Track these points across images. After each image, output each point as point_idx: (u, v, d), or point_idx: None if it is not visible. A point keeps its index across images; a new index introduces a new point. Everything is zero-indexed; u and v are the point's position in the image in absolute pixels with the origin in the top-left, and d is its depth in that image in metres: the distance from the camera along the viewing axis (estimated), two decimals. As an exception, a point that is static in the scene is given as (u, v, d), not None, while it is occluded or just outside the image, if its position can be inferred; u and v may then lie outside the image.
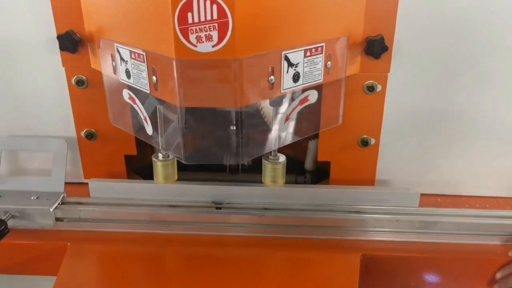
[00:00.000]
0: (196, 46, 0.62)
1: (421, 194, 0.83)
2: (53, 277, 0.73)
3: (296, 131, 0.79)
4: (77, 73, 0.83)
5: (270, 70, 0.66)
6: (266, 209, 0.82)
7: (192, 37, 0.62)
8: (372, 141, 0.86)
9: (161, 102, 0.71)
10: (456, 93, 0.83)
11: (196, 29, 0.61)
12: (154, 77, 0.67)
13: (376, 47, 0.77)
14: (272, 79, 0.67)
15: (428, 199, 0.88)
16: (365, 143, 0.86)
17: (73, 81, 0.84)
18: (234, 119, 0.71)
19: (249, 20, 0.62)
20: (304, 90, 0.74)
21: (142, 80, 0.69)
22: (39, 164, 0.92)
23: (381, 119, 0.85)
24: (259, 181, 0.81)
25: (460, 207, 0.87)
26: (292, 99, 0.76)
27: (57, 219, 0.82)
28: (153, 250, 0.78)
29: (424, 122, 0.86)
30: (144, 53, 0.67)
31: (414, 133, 0.87)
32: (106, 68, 0.77)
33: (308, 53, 0.70)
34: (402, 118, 0.85)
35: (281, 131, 0.76)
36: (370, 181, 0.90)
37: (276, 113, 0.74)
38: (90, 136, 0.88)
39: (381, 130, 0.85)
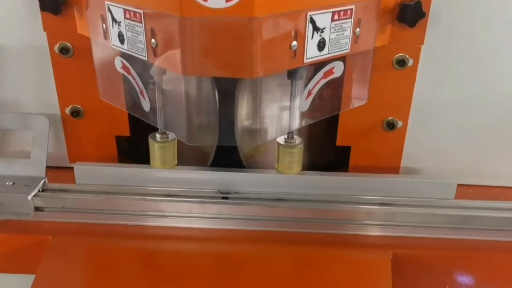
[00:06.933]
0: (206, 1, 0.53)
1: (455, 185, 0.76)
2: (31, 275, 0.67)
3: (315, 112, 0.71)
4: (61, 39, 0.75)
5: (293, 34, 0.58)
6: (280, 199, 0.74)
7: (202, -11, 0.53)
8: (399, 123, 0.78)
9: (162, 71, 0.64)
10: (500, 72, 0.75)
11: (207, -22, 0.52)
12: (153, 40, 0.59)
13: (410, 13, 0.68)
14: (294, 45, 0.59)
15: (458, 190, 0.79)
16: (391, 126, 0.78)
17: (56, 48, 0.75)
18: (248, 93, 0.63)
19: (271, -31, 0.53)
20: (326, 62, 0.66)
21: (138, 44, 0.61)
22: (16, 145, 0.85)
23: (411, 99, 0.77)
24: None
25: (495, 199, 0.79)
26: (314, 72, 0.68)
27: (37, 209, 0.75)
28: (148, 246, 0.72)
29: (460, 104, 0.78)
30: (141, 11, 0.58)
31: (447, 116, 0.79)
32: (95, 33, 0.69)
33: (336, 16, 0.61)
34: (435, 99, 0.78)
35: (302, 108, 0.68)
36: (394, 169, 0.82)
37: (295, 87, 0.66)
38: (76, 113, 0.81)
39: (410, 112, 0.78)
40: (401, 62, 0.73)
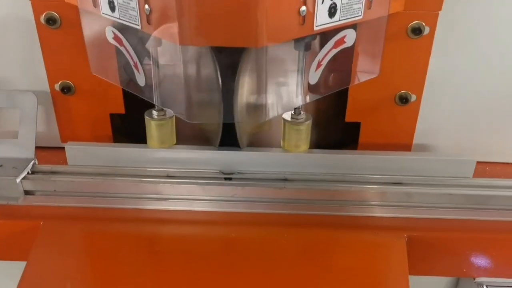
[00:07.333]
0: (205, -40, 0.49)
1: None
2: (22, 262, 0.64)
3: (323, 86, 0.67)
4: (48, 9, 0.71)
5: (301, -2, 0.54)
6: (287, 180, 0.71)
7: None
8: (413, 97, 0.74)
9: (157, 41, 0.59)
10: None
11: None
12: (146, 7, 0.54)
13: (428, -24, 0.65)
14: (303, 11, 0.54)
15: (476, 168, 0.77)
16: (404, 100, 0.74)
17: (42, 19, 0.71)
18: (252, 65, 0.59)
19: None
20: (337, 31, 0.61)
21: (130, 12, 0.57)
22: (1, 125, 0.81)
23: (426, 70, 0.72)
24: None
25: (513, 177, 0.76)
26: (323, 41, 0.63)
27: (26, 192, 0.72)
28: (146, 231, 0.69)
29: (478, 77, 0.74)
30: (133, -26, 0.54)
31: (464, 89, 0.75)
32: (83, 1, 0.65)
33: (349, -22, 0.57)
34: (451, 70, 0.73)
35: (311, 81, 0.63)
36: (406, 146, 0.79)
37: (304, 58, 0.61)
38: (66, 89, 0.77)
39: (425, 84, 0.73)
40: (417, 31, 0.69)
